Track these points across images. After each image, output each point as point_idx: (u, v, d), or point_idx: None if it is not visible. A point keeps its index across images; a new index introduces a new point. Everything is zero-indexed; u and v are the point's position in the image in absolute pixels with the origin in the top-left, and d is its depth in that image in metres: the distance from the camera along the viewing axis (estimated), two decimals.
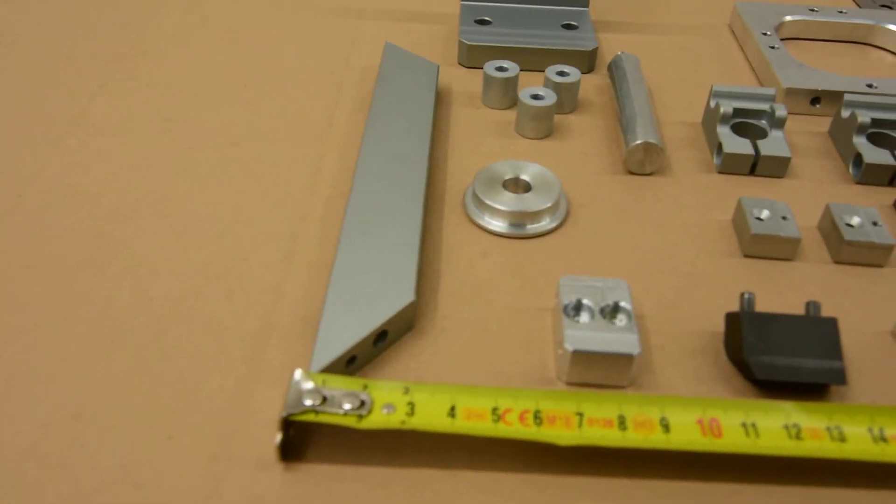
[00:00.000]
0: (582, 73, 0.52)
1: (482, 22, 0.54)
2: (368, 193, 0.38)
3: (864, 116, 0.44)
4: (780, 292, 0.36)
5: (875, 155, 0.43)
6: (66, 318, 0.33)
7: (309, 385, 0.28)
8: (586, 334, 0.31)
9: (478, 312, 0.34)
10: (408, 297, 0.32)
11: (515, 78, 0.48)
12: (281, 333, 0.33)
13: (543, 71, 0.51)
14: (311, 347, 0.32)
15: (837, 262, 0.38)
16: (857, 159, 0.44)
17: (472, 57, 0.52)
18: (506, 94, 0.48)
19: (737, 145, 0.43)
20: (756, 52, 0.53)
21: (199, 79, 0.50)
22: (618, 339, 0.30)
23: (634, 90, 0.46)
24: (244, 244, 0.37)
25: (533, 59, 0.52)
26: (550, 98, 0.45)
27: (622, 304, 0.32)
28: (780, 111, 0.44)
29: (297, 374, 0.28)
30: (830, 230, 0.38)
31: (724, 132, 0.44)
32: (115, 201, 0.40)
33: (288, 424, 0.27)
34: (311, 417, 0.27)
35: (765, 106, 0.45)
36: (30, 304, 0.34)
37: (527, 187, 0.40)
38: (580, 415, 0.28)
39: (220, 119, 0.46)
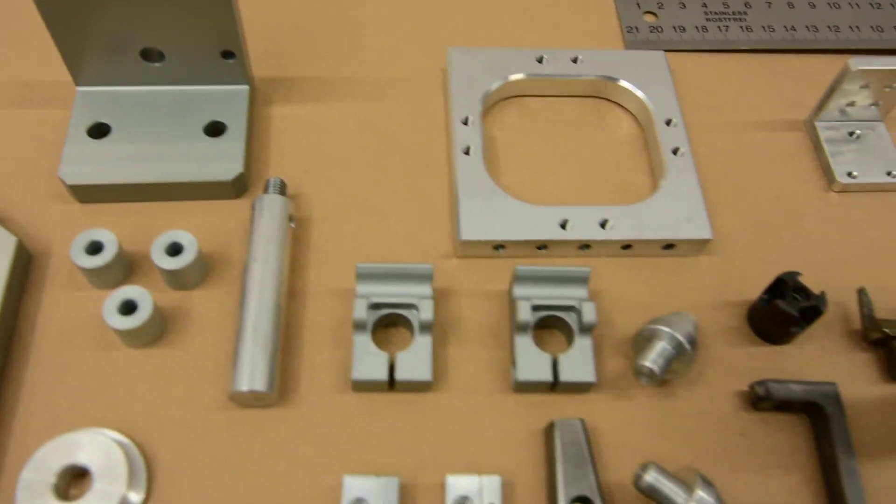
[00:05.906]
0: (230, 197, 0.41)
1: (99, 130, 0.41)
2: None
3: (527, 313, 0.37)
4: None
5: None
6: None
7: None
8: None
9: None
10: None
11: (117, 256, 0.37)
12: None
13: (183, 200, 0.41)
14: None
15: None
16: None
17: (83, 195, 0.40)
18: (108, 277, 0.38)
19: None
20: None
21: None
22: None
23: (262, 274, 0.37)
24: None
25: (161, 192, 0.41)
26: (144, 312, 0.36)
27: None
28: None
29: None
30: None
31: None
32: None
33: None
34: None
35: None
36: None
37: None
38: None
39: None
